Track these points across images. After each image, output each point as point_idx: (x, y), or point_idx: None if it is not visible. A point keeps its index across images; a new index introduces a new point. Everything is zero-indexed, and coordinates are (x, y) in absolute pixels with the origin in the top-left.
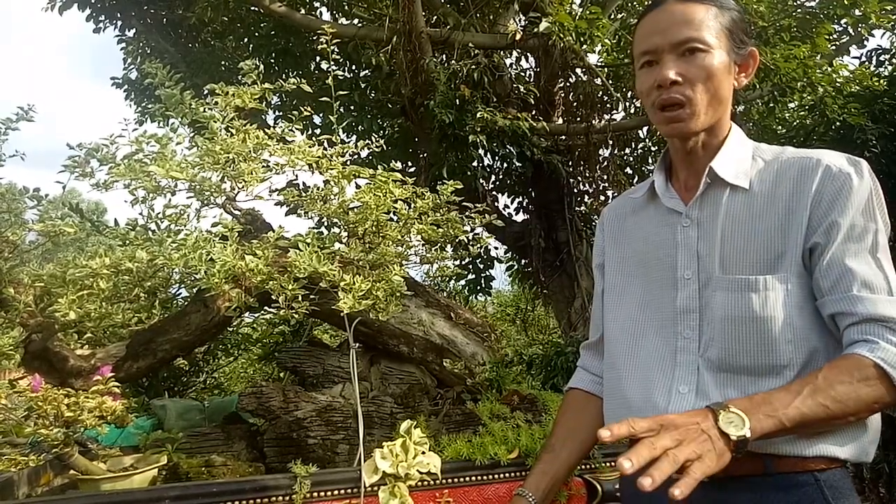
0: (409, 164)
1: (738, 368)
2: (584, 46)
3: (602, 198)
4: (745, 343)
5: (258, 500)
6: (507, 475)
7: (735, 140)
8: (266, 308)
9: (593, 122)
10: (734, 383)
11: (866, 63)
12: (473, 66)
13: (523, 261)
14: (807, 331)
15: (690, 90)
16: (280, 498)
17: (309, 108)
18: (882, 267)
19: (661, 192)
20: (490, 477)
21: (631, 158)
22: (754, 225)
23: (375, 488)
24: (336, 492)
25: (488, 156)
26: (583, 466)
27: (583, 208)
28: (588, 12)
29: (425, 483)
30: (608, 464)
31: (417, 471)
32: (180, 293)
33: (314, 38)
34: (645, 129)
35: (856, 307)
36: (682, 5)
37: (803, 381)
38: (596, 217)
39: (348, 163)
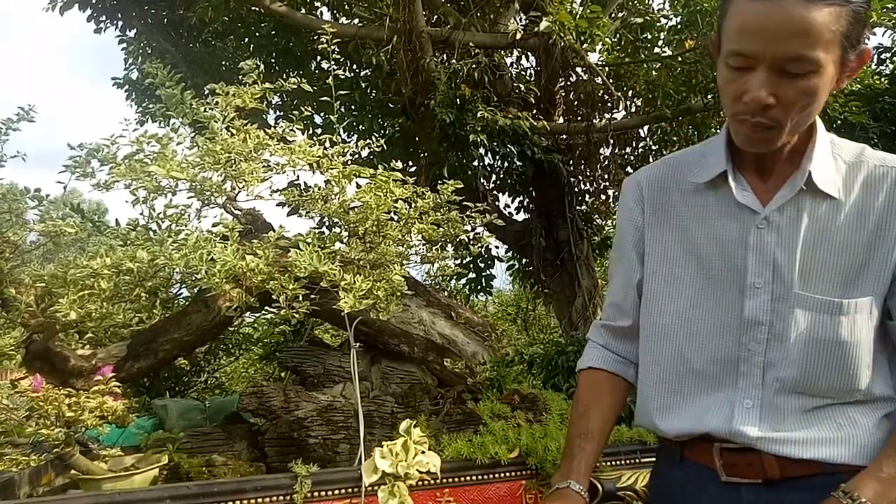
0: (410, 163)
1: (817, 391)
2: (585, 45)
3: (603, 197)
4: (828, 366)
5: (259, 500)
6: (507, 475)
7: (822, 141)
8: (267, 308)
9: (594, 121)
10: (810, 404)
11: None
12: (474, 66)
13: (524, 260)
14: (889, 354)
15: (783, 114)
16: (281, 497)
17: (310, 108)
18: None
19: (733, 184)
20: (490, 476)
21: (632, 157)
22: (840, 237)
23: (376, 488)
24: (337, 491)
25: (489, 155)
26: None
27: (583, 207)
28: (588, 11)
29: (426, 483)
30: (609, 463)
31: (417, 470)
32: (181, 293)
33: (315, 37)
34: (646, 127)
35: None
36: (803, 6)
37: None
38: (597, 216)
39: (349, 162)
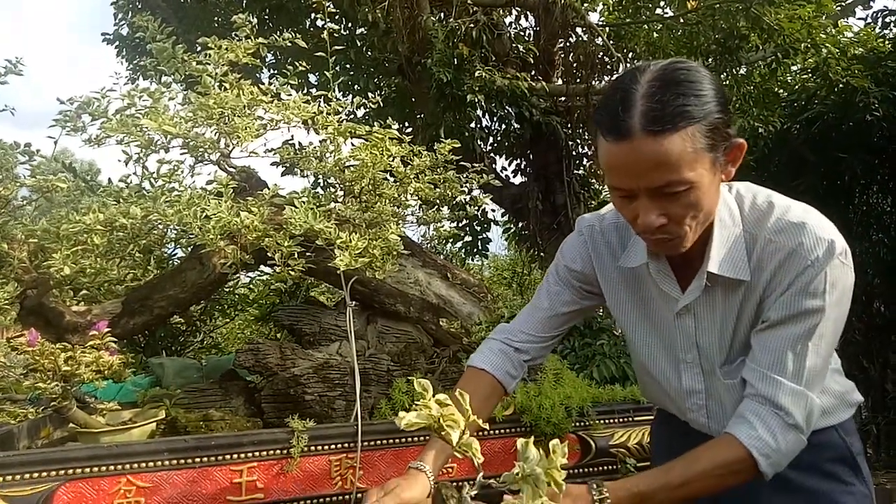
0: (406, 124)
1: None
2: (585, 5)
3: None
4: None
5: (256, 454)
6: (502, 431)
7: (721, 230)
8: (262, 268)
9: (593, 83)
10: None
11: (871, 25)
12: (472, 24)
13: (520, 223)
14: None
15: (677, 227)
16: (278, 451)
17: (304, 64)
18: (805, 355)
19: (655, 276)
20: (485, 433)
21: None
22: (746, 312)
23: (372, 442)
24: (333, 446)
25: (486, 117)
26: (577, 424)
27: (581, 171)
28: None
29: (419, 439)
30: (602, 421)
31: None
32: (175, 253)
33: None
34: None
35: (760, 384)
36: (653, 142)
37: (684, 469)
38: (595, 181)
39: (344, 122)
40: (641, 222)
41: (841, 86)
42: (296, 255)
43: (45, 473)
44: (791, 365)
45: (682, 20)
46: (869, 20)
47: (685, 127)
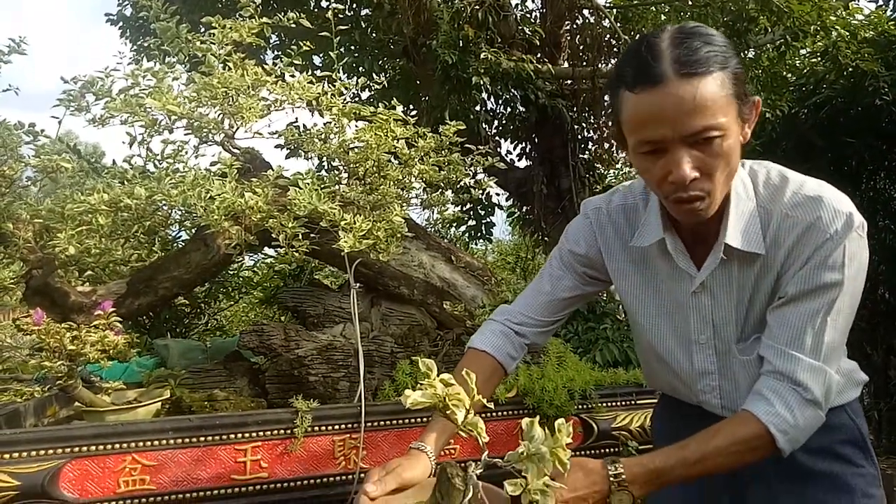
0: (411, 106)
1: None
2: None
3: (606, 145)
4: None
5: (260, 433)
6: (505, 413)
7: (737, 202)
8: (266, 250)
9: (600, 65)
10: None
11: (883, 7)
12: (478, 6)
13: (525, 208)
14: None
15: (709, 182)
16: (282, 431)
17: (308, 45)
18: (823, 331)
19: (672, 252)
20: (488, 415)
21: None
22: (762, 288)
23: (375, 423)
24: (337, 426)
25: (491, 100)
26: (579, 406)
27: (586, 155)
28: None
29: (420, 420)
30: (605, 404)
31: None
32: (180, 235)
33: None
34: None
35: (778, 361)
36: (688, 84)
37: (700, 445)
38: (600, 165)
39: (348, 102)
40: (675, 176)
41: (850, 69)
42: (300, 237)
43: (51, 451)
44: (809, 340)
45: (690, 2)
46: (881, 2)
47: (715, 71)
